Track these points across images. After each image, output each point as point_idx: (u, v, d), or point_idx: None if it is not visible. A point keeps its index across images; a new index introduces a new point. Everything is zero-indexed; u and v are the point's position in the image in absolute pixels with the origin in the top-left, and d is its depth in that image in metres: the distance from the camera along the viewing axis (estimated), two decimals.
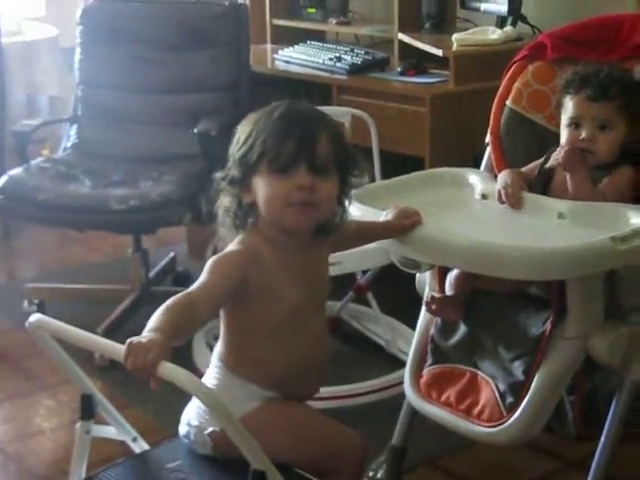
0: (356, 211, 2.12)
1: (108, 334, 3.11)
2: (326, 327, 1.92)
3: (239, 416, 1.72)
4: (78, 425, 1.86)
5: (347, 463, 1.83)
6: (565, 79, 2.21)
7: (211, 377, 1.83)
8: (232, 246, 1.78)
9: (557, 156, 2.13)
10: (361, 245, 2.13)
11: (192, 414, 1.83)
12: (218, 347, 1.86)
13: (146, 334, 1.52)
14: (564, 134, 2.19)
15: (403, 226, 2.00)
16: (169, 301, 1.61)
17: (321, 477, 1.80)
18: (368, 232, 2.05)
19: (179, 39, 3.70)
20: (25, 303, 3.60)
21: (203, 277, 1.70)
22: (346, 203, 1.84)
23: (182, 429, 1.85)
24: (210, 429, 1.79)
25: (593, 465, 2.11)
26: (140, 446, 1.92)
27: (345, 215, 1.85)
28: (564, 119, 2.19)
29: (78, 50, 3.82)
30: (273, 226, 1.77)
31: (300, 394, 1.89)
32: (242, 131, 1.78)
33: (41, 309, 3.51)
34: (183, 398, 1.76)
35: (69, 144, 3.76)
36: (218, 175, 1.80)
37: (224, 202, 1.81)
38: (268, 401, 1.82)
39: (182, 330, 1.60)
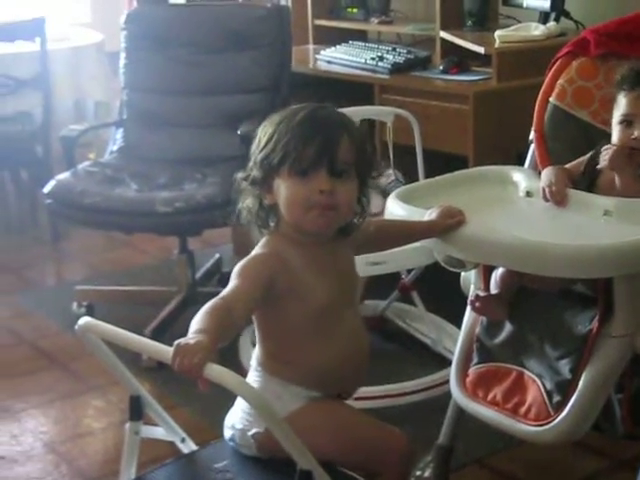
0: (400, 210, 2.13)
1: (155, 335, 3.14)
2: (361, 322, 1.91)
3: (283, 416, 1.73)
4: (127, 426, 1.88)
5: (393, 462, 1.83)
6: (621, 75, 2.18)
7: (252, 382, 1.84)
8: (257, 249, 1.80)
9: (604, 156, 2.11)
10: (403, 245, 2.13)
11: (235, 418, 1.85)
12: (256, 350, 1.87)
13: (193, 335, 1.54)
14: (615, 131, 2.16)
15: (447, 225, 2.00)
16: (208, 305, 1.63)
17: (367, 476, 1.81)
18: (406, 233, 2.05)
19: (221, 42, 3.72)
20: (74, 305, 3.65)
21: (232, 283, 1.70)
22: (365, 203, 1.84)
23: (227, 433, 1.87)
24: (254, 430, 1.80)
25: None
26: (188, 446, 1.94)
27: (365, 214, 1.85)
28: (616, 116, 2.17)
29: (123, 55, 3.86)
30: (295, 228, 1.78)
31: (341, 391, 1.89)
32: (264, 133, 1.78)
33: (90, 311, 3.56)
34: (230, 398, 1.78)
35: (115, 148, 3.80)
36: (240, 175, 1.82)
37: (247, 202, 1.82)
38: (312, 401, 1.82)
39: (225, 332, 1.62)
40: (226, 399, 1.78)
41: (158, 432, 1.92)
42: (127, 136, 3.80)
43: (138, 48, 3.82)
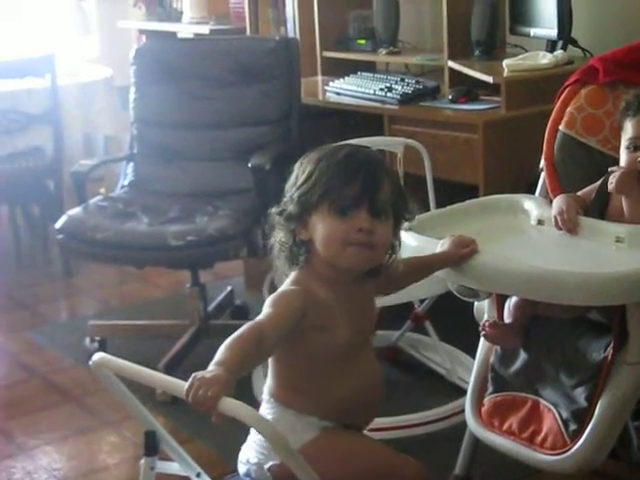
0: (412, 241, 2.13)
1: (169, 369, 3.13)
2: (374, 358, 1.92)
3: (298, 447, 1.73)
4: (142, 461, 1.87)
5: None
6: (626, 101, 2.20)
7: (265, 414, 1.84)
8: (287, 285, 1.80)
9: (610, 180, 2.12)
10: (419, 280, 2.11)
11: (250, 452, 1.84)
12: (268, 382, 1.87)
13: (211, 368, 1.54)
14: (623, 156, 2.18)
15: (460, 255, 2.00)
16: (239, 332, 1.63)
17: None
18: (424, 266, 2.05)
19: (231, 75, 3.74)
20: (87, 340, 3.65)
21: (266, 311, 1.71)
22: (396, 244, 1.85)
23: (241, 468, 1.86)
24: (270, 463, 1.79)
25: None
26: None
27: (395, 255, 1.86)
28: (623, 141, 2.18)
29: (132, 89, 3.88)
30: (328, 264, 1.79)
31: (355, 423, 1.89)
32: (303, 169, 1.79)
33: (102, 346, 3.55)
34: (245, 432, 1.78)
35: (126, 182, 3.81)
36: (274, 210, 1.82)
37: (279, 237, 1.82)
38: (325, 431, 1.82)
39: (249, 363, 1.63)
40: (241, 433, 1.78)
41: (173, 467, 1.92)
42: (138, 170, 3.81)
43: (147, 82, 3.84)
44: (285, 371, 1.83)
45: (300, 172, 1.79)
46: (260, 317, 1.69)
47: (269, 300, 1.74)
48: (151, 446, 1.86)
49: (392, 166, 1.84)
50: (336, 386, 1.81)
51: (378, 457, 1.86)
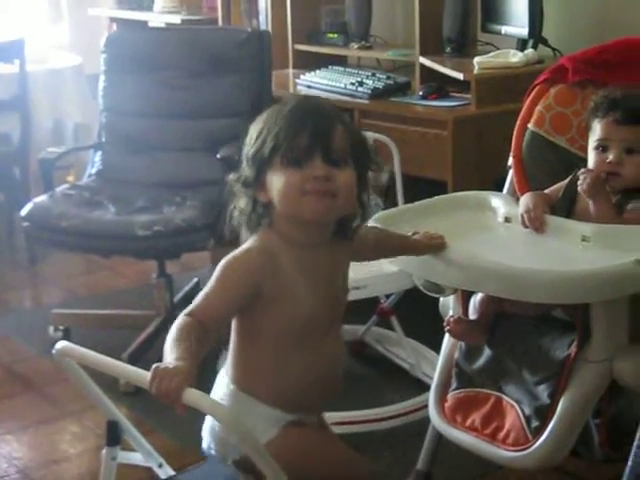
0: None
1: (133, 359, 3.12)
2: (342, 338, 1.88)
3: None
4: (104, 451, 1.86)
5: None
6: (594, 102, 2.21)
7: (223, 395, 1.79)
8: (247, 243, 1.75)
9: (581, 183, 2.12)
10: (394, 256, 2.09)
11: (210, 439, 1.81)
12: (229, 361, 1.81)
13: (170, 360, 1.53)
14: (591, 157, 2.19)
15: (430, 245, 2.00)
16: (177, 328, 1.60)
17: None
18: (393, 245, 2.02)
19: (202, 66, 3.73)
20: (51, 329, 3.62)
21: (210, 286, 1.67)
22: (365, 202, 1.80)
23: (205, 441, 1.83)
24: (231, 459, 1.78)
25: None
26: (166, 472, 1.93)
27: (366, 216, 1.82)
28: (591, 141, 2.19)
29: (102, 78, 3.85)
30: (290, 220, 1.73)
31: (315, 406, 1.87)
32: (253, 130, 1.75)
33: (66, 335, 3.53)
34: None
35: (94, 171, 3.78)
36: (232, 177, 1.78)
37: (240, 204, 1.77)
38: (286, 428, 1.79)
39: (199, 350, 1.59)
40: (204, 424, 1.77)
41: (135, 457, 1.91)
42: (106, 159, 3.79)
43: (118, 71, 3.82)
44: (246, 348, 1.78)
45: (252, 133, 1.75)
46: (199, 299, 1.65)
47: (219, 268, 1.69)
48: (113, 436, 1.86)
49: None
50: (298, 367, 1.77)
51: (334, 457, 1.85)
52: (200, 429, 1.85)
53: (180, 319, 1.62)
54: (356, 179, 1.75)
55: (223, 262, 1.71)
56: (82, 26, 5.71)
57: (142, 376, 1.54)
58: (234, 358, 1.80)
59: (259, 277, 1.69)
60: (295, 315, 1.74)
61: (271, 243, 1.74)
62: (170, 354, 1.55)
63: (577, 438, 2.05)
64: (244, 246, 1.74)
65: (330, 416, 2.70)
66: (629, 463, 2.06)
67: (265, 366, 1.78)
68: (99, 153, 3.81)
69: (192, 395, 1.48)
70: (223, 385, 1.82)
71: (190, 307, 1.66)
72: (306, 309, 1.75)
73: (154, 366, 1.51)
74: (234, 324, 1.78)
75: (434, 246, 2.01)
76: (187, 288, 3.86)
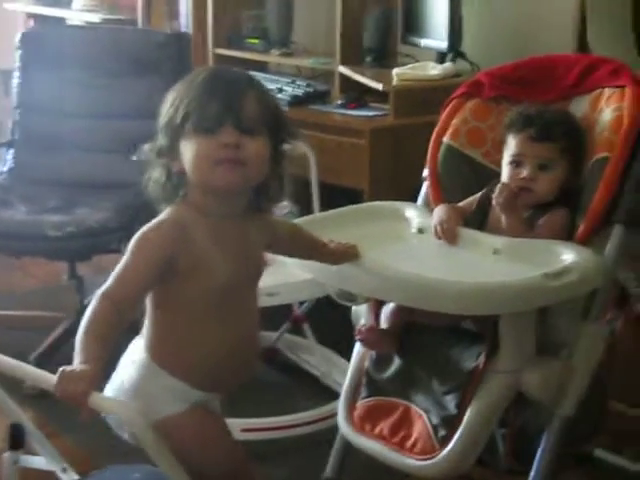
0: None
1: (41, 361, 3.07)
2: (257, 312, 1.87)
3: (161, 417, 1.71)
4: (6, 455, 1.83)
5: None
6: (510, 117, 2.25)
7: (134, 367, 1.78)
8: (160, 216, 1.73)
9: (497, 197, 2.15)
10: (296, 256, 2.08)
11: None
12: (145, 331, 1.79)
13: (77, 362, 1.51)
14: (505, 171, 2.22)
15: (343, 254, 2.00)
16: (91, 317, 1.59)
17: None
18: (307, 244, 2.01)
19: (120, 66, 3.69)
20: None
21: (124, 263, 1.66)
22: (281, 172, 1.80)
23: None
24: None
25: None
26: (70, 477, 1.90)
27: (282, 186, 1.82)
28: (506, 156, 2.23)
29: (16, 74, 3.78)
30: (203, 190, 1.72)
31: (227, 384, 1.85)
32: (167, 100, 1.74)
33: None
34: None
35: (5, 169, 3.71)
36: (146, 147, 1.77)
37: (154, 175, 1.76)
38: (193, 408, 1.77)
39: (113, 340, 1.59)
40: (109, 429, 1.75)
41: (39, 462, 1.88)
42: (18, 157, 3.72)
43: (33, 68, 3.75)
44: (161, 320, 1.76)
45: (165, 103, 1.74)
46: (113, 278, 1.64)
47: (132, 243, 1.68)
48: (16, 439, 1.83)
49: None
50: (214, 337, 1.76)
51: (232, 454, 1.85)
52: (106, 434, 1.83)
53: (95, 304, 1.61)
54: (271, 150, 1.74)
55: (135, 237, 1.69)
56: None
57: (47, 378, 1.52)
58: (148, 328, 1.78)
59: (172, 250, 1.68)
60: (209, 287, 1.73)
61: (184, 215, 1.72)
62: (80, 352, 1.53)
63: (483, 448, 2.07)
64: (156, 219, 1.73)
65: (240, 422, 2.72)
66: (532, 474, 2.10)
67: (178, 338, 1.76)
68: (11, 151, 3.74)
69: (99, 399, 1.47)
70: (138, 349, 1.80)
71: (105, 287, 1.64)
72: (220, 280, 1.73)
73: (60, 369, 1.49)
74: (149, 297, 1.75)
75: (347, 255, 2.01)
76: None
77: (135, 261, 1.66)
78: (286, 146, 1.80)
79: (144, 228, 1.70)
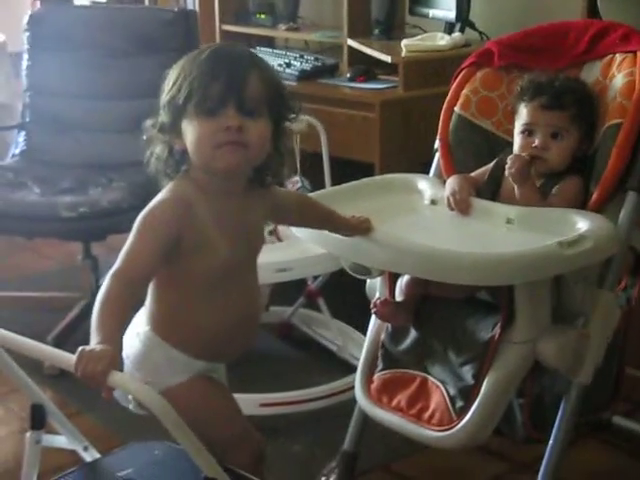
0: None
1: (58, 342, 3.09)
2: (258, 284, 1.88)
3: (163, 388, 1.72)
4: (28, 435, 1.84)
5: (244, 462, 1.81)
6: (520, 86, 2.24)
7: (138, 340, 1.79)
8: (163, 193, 1.73)
9: (509, 167, 2.15)
10: (309, 226, 2.08)
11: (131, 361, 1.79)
12: (148, 306, 1.80)
13: (95, 342, 1.52)
14: (517, 140, 2.21)
15: (357, 227, 2.00)
16: (104, 297, 1.58)
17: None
18: (320, 216, 2.01)
19: (128, 45, 3.68)
20: None
21: (132, 241, 1.66)
22: (282, 148, 1.79)
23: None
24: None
25: (542, 468, 2.14)
26: (91, 455, 1.92)
27: (283, 162, 1.81)
28: (517, 125, 2.22)
29: (25, 56, 3.78)
30: (206, 172, 1.72)
31: (228, 354, 1.87)
32: (170, 76, 1.73)
33: None
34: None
35: (17, 151, 3.72)
36: (148, 122, 1.77)
37: (156, 150, 1.76)
38: (195, 378, 1.79)
39: (126, 319, 1.61)
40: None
41: (60, 441, 1.90)
42: (30, 139, 3.73)
43: (42, 50, 3.76)
44: (164, 295, 1.77)
45: (169, 79, 1.73)
46: (123, 256, 1.64)
47: (138, 222, 1.68)
48: (37, 419, 1.84)
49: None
50: (215, 311, 1.77)
51: (234, 422, 1.86)
52: (125, 412, 1.84)
53: (107, 284, 1.61)
54: (272, 127, 1.74)
55: (142, 215, 1.69)
56: (5, 3, 5.61)
57: (67, 358, 1.52)
58: (150, 302, 1.80)
59: (177, 227, 1.68)
60: (211, 263, 1.73)
61: (186, 192, 1.72)
62: (97, 331, 1.54)
63: (501, 418, 2.08)
64: (160, 197, 1.72)
65: (257, 397, 2.73)
66: (550, 442, 2.11)
67: (180, 313, 1.78)
68: (23, 133, 3.75)
69: (119, 378, 1.47)
70: (142, 322, 1.81)
71: (116, 266, 1.64)
72: (222, 256, 1.73)
73: (80, 349, 1.49)
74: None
75: (361, 229, 2.01)
76: None
77: (143, 239, 1.66)
78: (288, 123, 1.79)
79: (149, 206, 1.70)
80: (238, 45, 1.80)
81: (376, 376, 2.25)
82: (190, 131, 1.69)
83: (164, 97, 1.73)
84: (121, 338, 1.57)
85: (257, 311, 1.90)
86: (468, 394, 2.07)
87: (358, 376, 2.29)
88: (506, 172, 2.16)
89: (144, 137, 1.79)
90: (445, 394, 2.11)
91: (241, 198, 1.78)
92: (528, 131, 2.19)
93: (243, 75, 1.69)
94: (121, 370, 1.49)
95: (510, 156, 2.17)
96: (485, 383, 2.05)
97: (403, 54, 3.35)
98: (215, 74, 1.67)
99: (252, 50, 1.81)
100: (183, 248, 1.70)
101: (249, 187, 1.80)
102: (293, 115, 1.79)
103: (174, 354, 1.78)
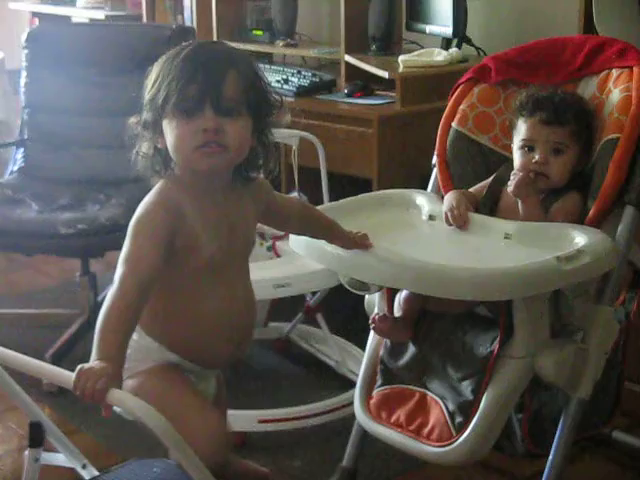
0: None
1: (56, 359, 3.08)
2: (250, 293, 1.87)
3: (132, 373, 1.72)
4: (27, 453, 1.84)
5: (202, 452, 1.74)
6: (519, 101, 2.24)
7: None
8: (151, 196, 1.73)
9: (511, 185, 2.15)
10: (309, 234, 2.07)
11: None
12: None
13: (96, 361, 1.51)
14: (517, 156, 2.21)
15: (357, 243, 2.00)
16: (107, 311, 1.58)
17: None
18: (319, 225, 2.01)
19: (125, 62, 3.69)
20: None
21: (130, 246, 1.65)
22: (267, 143, 1.79)
23: None
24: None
25: None
26: (90, 472, 1.91)
27: (270, 156, 1.81)
28: (516, 141, 2.22)
29: (24, 73, 3.79)
30: (189, 171, 1.73)
31: (215, 358, 1.85)
32: (151, 75, 1.74)
33: None
34: (133, 423, 1.75)
35: (15, 168, 3.72)
36: (132, 120, 1.77)
37: (142, 148, 1.77)
38: (162, 366, 1.78)
39: (131, 331, 1.60)
40: (128, 424, 1.75)
41: (59, 458, 1.89)
42: (28, 156, 3.73)
43: (40, 67, 3.76)
44: (156, 297, 1.73)
45: (150, 77, 1.73)
46: (128, 265, 1.63)
47: (132, 229, 1.67)
48: (36, 437, 1.84)
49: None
50: (206, 311, 1.76)
51: (184, 407, 1.79)
52: (124, 429, 1.84)
53: (113, 294, 1.60)
54: (254, 123, 1.73)
55: (134, 221, 1.69)
56: (3, 20, 5.63)
57: (65, 377, 1.52)
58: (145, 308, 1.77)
59: (171, 229, 1.68)
60: (195, 259, 1.73)
61: (173, 194, 1.73)
62: (97, 347, 1.53)
63: (500, 433, 2.07)
64: (149, 200, 1.72)
65: (256, 414, 2.73)
66: (550, 457, 2.10)
67: (169, 313, 1.77)
68: (21, 150, 3.75)
69: (117, 396, 1.47)
70: None
71: (119, 272, 1.63)
72: (208, 251, 1.73)
73: (79, 367, 1.49)
74: None
75: (360, 245, 2.01)
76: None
77: (141, 241, 1.66)
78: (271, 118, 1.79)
79: (140, 210, 1.70)
80: (218, 43, 1.80)
81: (375, 392, 2.25)
82: (169, 132, 1.70)
83: (146, 95, 1.74)
84: (123, 354, 1.56)
85: (247, 318, 1.87)
86: (467, 409, 2.06)
87: (357, 392, 2.28)
88: (509, 188, 2.16)
89: (128, 134, 1.79)
90: (444, 409, 2.11)
91: (227, 193, 1.78)
92: (528, 147, 2.19)
93: (220, 75, 1.69)
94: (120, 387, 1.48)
95: (513, 172, 2.18)
96: (484, 398, 2.04)
97: (400, 70, 3.36)
98: (192, 75, 1.67)
99: (232, 46, 1.79)
100: (176, 249, 1.70)
101: (235, 182, 1.79)
102: (275, 110, 1.79)
103: (152, 346, 1.77)
